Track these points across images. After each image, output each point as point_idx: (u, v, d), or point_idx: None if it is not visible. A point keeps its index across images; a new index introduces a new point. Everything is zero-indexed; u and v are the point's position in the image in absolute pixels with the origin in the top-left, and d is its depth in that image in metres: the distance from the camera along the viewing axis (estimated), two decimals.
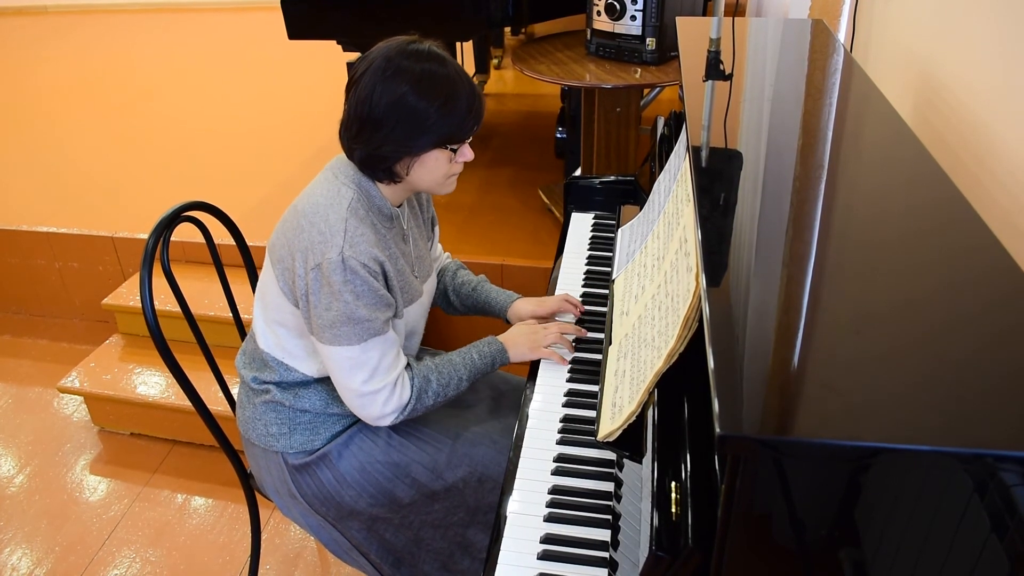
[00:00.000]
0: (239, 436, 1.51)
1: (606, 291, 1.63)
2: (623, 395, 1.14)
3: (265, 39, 5.45)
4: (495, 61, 4.44)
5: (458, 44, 3.84)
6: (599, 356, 1.43)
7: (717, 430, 0.65)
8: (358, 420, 1.41)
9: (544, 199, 2.86)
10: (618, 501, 1.09)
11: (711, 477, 0.88)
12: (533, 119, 3.80)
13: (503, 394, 1.59)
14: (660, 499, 0.90)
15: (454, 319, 2.54)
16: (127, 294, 2.67)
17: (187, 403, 1.70)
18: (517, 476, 1.20)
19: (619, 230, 1.66)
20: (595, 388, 1.37)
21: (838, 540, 0.71)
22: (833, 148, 1.14)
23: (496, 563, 1.07)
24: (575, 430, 1.28)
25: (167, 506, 2.19)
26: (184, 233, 1.76)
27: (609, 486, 1.17)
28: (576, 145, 2.73)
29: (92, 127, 4.01)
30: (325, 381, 1.40)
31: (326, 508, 1.42)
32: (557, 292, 1.61)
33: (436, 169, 1.28)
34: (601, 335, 1.49)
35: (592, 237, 1.82)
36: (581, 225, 1.87)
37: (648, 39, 2.29)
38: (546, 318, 1.53)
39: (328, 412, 1.40)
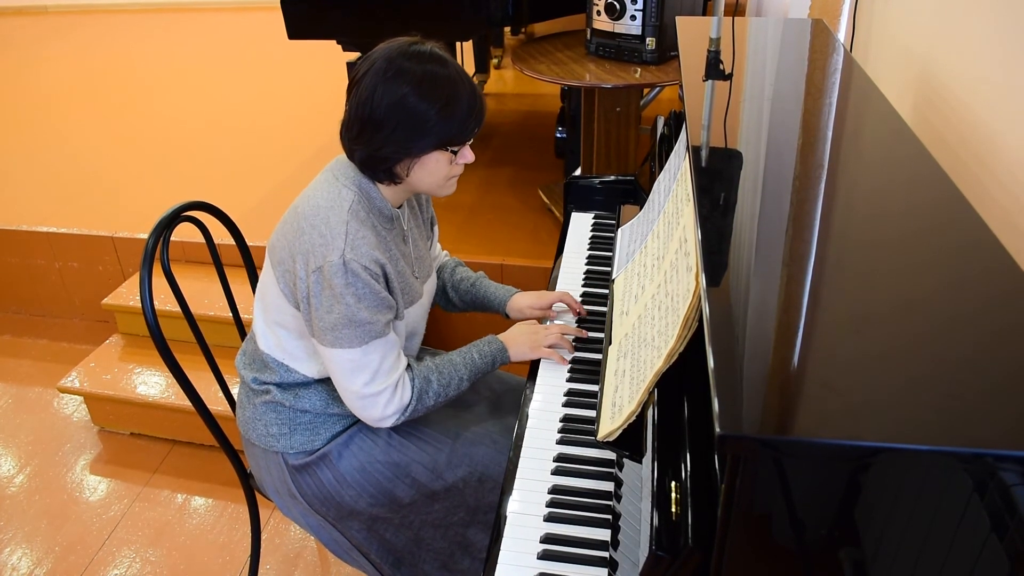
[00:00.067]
0: (239, 436, 1.51)
1: (606, 291, 1.63)
2: (623, 395, 1.14)
3: (265, 39, 5.45)
4: (495, 61, 4.44)
5: (458, 44, 3.84)
6: (599, 356, 1.43)
7: (717, 430, 0.65)
8: (358, 420, 1.41)
9: (544, 199, 2.86)
10: (618, 501, 1.09)
11: (711, 477, 0.88)
12: (533, 119, 3.80)
13: (503, 394, 1.59)
14: (660, 499, 0.90)
15: (454, 318, 2.54)
16: (127, 294, 2.67)
17: (187, 403, 1.70)
18: (517, 476, 1.20)
19: (619, 230, 1.66)
20: (595, 388, 1.37)
21: (838, 540, 0.71)
22: (833, 147, 1.14)
23: (496, 563, 1.07)
24: (575, 430, 1.28)
25: (167, 506, 2.20)
26: (184, 233, 1.76)
27: (609, 486, 1.17)
28: (576, 145, 2.73)
29: (92, 127, 4.01)
30: (325, 382, 1.40)
31: (326, 508, 1.42)
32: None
33: (436, 171, 1.28)
34: (601, 335, 1.49)
35: (592, 237, 1.82)
36: (581, 225, 1.87)
37: (648, 39, 2.29)
38: (546, 311, 1.53)
39: (328, 412, 1.40)
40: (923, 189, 1.02)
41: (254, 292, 1.46)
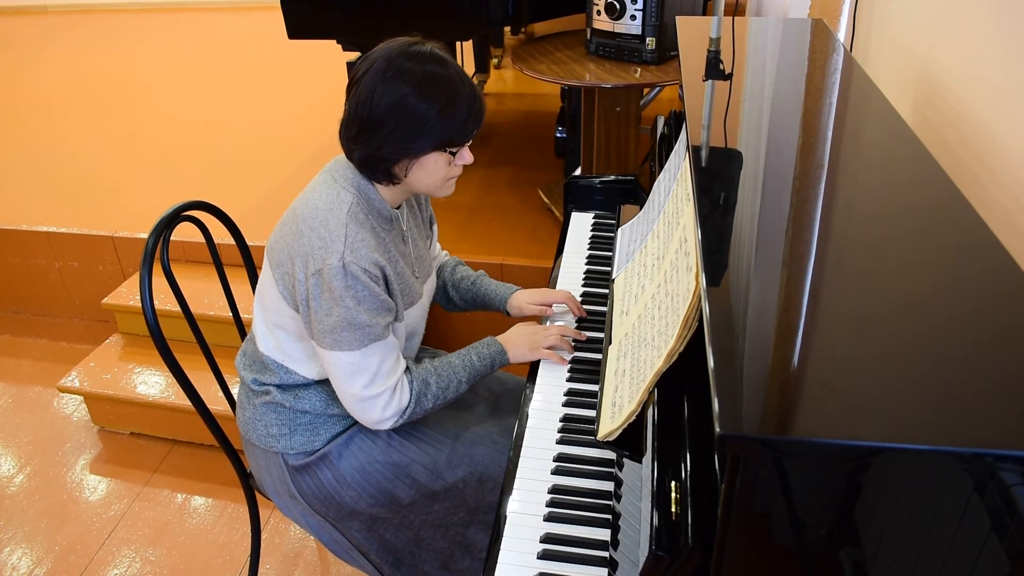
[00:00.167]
0: (239, 436, 1.51)
1: (606, 291, 1.63)
2: (623, 394, 1.14)
3: (265, 39, 5.44)
4: (495, 61, 4.44)
5: (458, 44, 3.84)
6: (599, 356, 1.43)
7: (717, 430, 0.65)
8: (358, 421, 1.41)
9: (544, 199, 2.86)
10: (618, 501, 1.09)
11: (711, 477, 0.88)
12: (533, 119, 3.80)
13: (503, 394, 1.59)
14: (660, 499, 0.90)
15: (454, 318, 2.54)
16: (127, 294, 2.67)
17: (187, 403, 1.70)
18: (517, 476, 1.20)
19: (619, 230, 1.66)
20: (595, 387, 1.37)
21: (838, 540, 0.71)
22: (833, 147, 1.13)
23: (496, 563, 1.07)
24: (575, 430, 1.28)
25: (167, 506, 2.20)
26: (184, 233, 1.76)
27: (609, 486, 1.17)
28: (576, 145, 2.73)
29: (92, 127, 4.01)
30: (325, 383, 1.40)
31: (326, 508, 1.42)
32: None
33: (435, 172, 1.28)
34: (601, 334, 1.49)
35: (592, 237, 1.82)
36: (581, 225, 1.87)
37: (648, 39, 2.29)
38: (546, 308, 1.53)
39: (328, 413, 1.40)
40: (923, 189, 1.02)
41: (254, 292, 1.46)
